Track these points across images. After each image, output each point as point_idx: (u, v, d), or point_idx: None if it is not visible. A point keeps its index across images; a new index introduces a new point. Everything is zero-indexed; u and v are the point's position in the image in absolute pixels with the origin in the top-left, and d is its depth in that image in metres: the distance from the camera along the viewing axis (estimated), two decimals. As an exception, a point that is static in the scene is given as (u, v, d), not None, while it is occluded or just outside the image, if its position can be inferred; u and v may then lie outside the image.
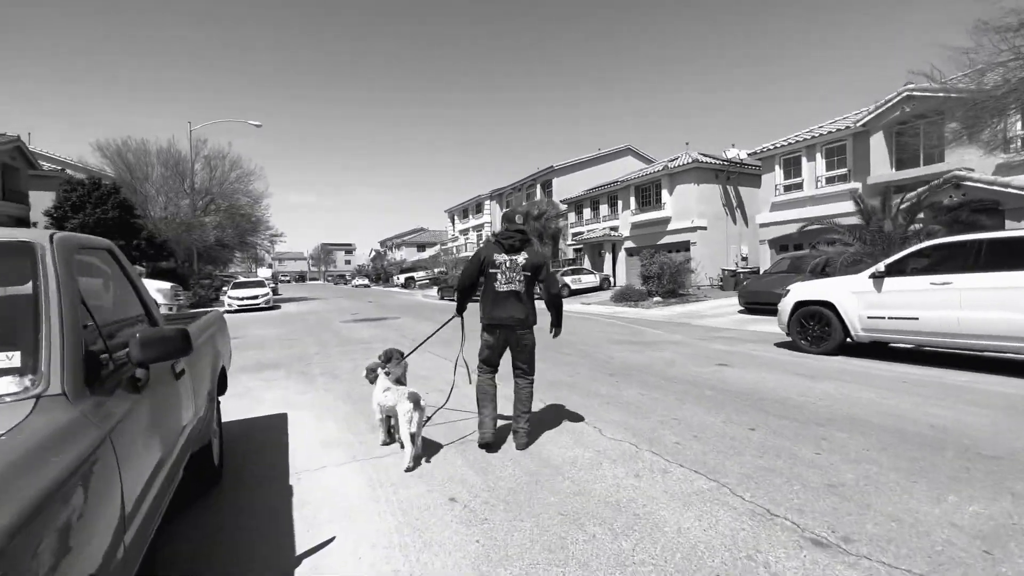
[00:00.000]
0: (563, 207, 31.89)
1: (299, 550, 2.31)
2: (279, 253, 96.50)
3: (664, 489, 2.79)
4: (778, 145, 18.72)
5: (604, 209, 28.57)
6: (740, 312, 13.14)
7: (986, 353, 6.29)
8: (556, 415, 4.37)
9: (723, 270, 20.88)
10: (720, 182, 23.12)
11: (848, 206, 13.28)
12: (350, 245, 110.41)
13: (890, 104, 14.68)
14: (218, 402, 3.54)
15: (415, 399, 3.17)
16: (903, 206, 10.92)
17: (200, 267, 25.46)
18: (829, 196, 17.05)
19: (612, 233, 26.97)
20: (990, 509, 2.45)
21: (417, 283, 41.49)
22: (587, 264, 28.76)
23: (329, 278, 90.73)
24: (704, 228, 22.41)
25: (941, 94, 11.56)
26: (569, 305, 19.24)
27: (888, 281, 6.45)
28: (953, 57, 8.59)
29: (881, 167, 15.51)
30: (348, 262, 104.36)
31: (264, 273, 42.24)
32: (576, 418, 4.25)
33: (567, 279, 22.69)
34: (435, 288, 29.00)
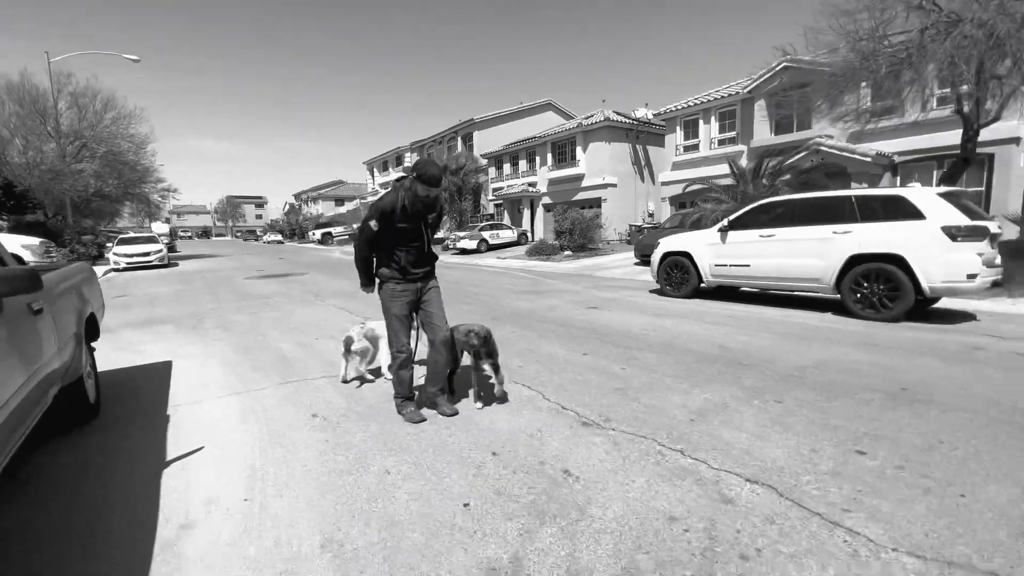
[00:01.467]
0: (483, 161, 31.90)
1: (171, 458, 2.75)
2: (178, 206, 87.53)
3: (494, 399, 3.52)
4: (679, 107, 20.03)
5: (523, 165, 29.04)
6: (636, 264, 14.47)
7: (796, 293, 7.77)
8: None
9: (630, 225, 22.40)
10: (630, 141, 24.34)
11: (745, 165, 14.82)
12: (261, 198, 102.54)
13: (770, 74, 16.21)
14: (92, 348, 3.75)
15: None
16: (769, 169, 12.47)
17: (77, 221, 22.88)
18: (720, 157, 18.69)
19: (530, 189, 27.64)
20: (716, 396, 3.42)
21: (335, 239, 40.06)
22: (507, 219, 29.39)
23: (238, 234, 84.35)
24: (615, 185, 23.69)
25: (809, 67, 13.06)
26: (485, 259, 19.90)
27: (731, 234, 7.64)
28: (808, 35, 9.76)
29: (762, 132, 17.26)
30: (259, 217, 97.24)
31: (160, 228, 38.50)
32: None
33: (485, 234, 23.22)
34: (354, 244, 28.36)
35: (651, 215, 24.21)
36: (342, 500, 2.26)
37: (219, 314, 7.71)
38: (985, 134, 12.34)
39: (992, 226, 5.81)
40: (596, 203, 24.06)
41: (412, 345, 3.27)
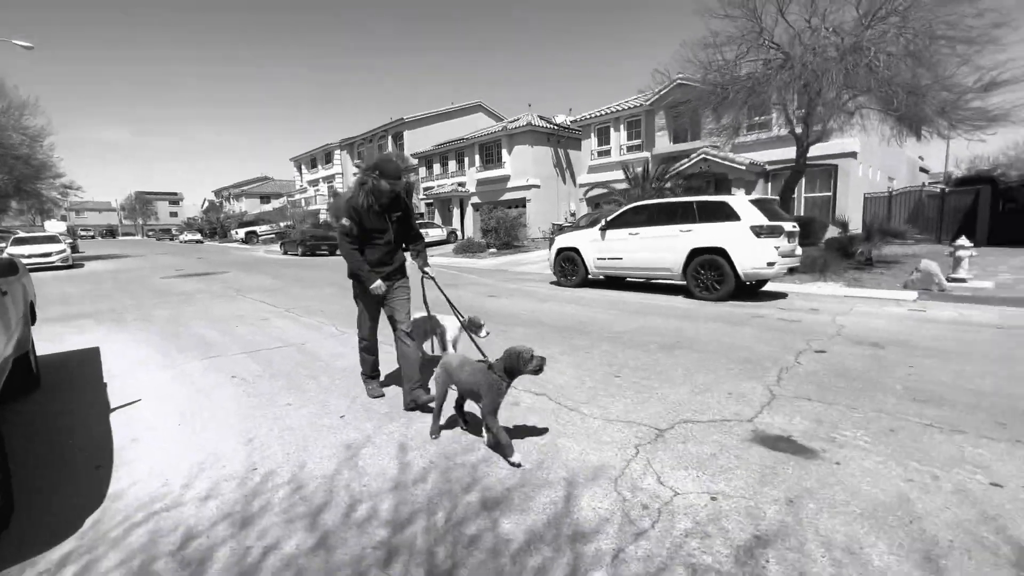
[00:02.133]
0: (414, 161, 32.43)
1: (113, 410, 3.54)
2: (77, 203, 79.79)
3: (340, 341, 4.55)
4: (592, 116, 21.85)
5: (452, 165, 29.94)
6: (549, 260, 15.91)
7: (659, 280, 9.40)
8: (339, 327, 5.92)
9: (553, 224, 24.01)
10: (551, 145, 25.98)
11: (638, 171, 16.66)
12: (176, 195, 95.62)
13: (666, 89, 18.27)
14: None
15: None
16: (657, 174, 14.32)
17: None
18: (630, 162, 20.70)
19: (460, 188, 28.61)
20: (548, 350, 4.67)
21: (260, 237, 38.86)
22: (437, 218, 30.19)
23: (150, 233, 78.30)
24: (538, 186, 25.22)
25: (696, 84, 15.07)
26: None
27: (609, 232, 9.12)
28: (678, 63, 11.54)
29: (662, 140, 19.38)
30: (174, 215, 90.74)
31: (56, 227, 35.49)
32: (344, 327, 5.85)
33: (414, 233, 23.90)
34: (279, 243, 27.90)
35: (573, 214, 25.98)
36: (253, 420, 3.22)
37: (139, 309, 8.09)
38: (830, 148, 14.89)
39: (787, 226, 7.60)
40: (521, 203, 25.48)
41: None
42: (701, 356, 4.43)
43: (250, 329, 6.10)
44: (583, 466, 2.50)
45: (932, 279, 7.96)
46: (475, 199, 28.21)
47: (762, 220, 7.28)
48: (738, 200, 7.64)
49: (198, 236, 50.37)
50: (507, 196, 26.12)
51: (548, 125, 25.98)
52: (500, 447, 2.59)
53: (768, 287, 8.85)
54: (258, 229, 40.45)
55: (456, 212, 29.54)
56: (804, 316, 6.33)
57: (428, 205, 31.82)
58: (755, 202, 7.59)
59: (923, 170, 23.85)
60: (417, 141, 33.80)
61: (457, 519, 2.07)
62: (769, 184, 16.92)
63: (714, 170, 16.89)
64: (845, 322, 5.90)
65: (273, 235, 37.22)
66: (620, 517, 2.05)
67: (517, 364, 2.56)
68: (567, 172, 26.78)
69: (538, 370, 2.59)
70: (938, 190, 15.94)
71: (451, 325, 4.14)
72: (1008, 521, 1.97)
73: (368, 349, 3.52)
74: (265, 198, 59.33)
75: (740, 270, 7.35)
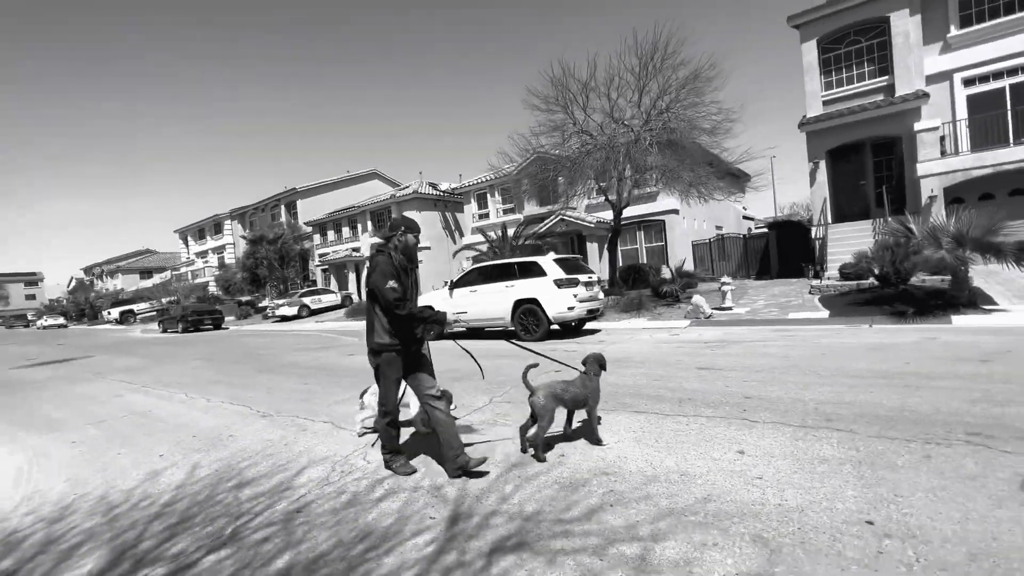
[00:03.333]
0: (308, 229, 32.93)
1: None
2: None
3: (187, 405, 5.52)
4: (471, 183, 24.33)
5: (346, 231, 30.88)
6: (431, 317, 17.27)
7: (497, 328, 11.08)
8: (189, 394, 6.71)
9: (445, 282, 25.61)
10: (439, 209, 28.08)
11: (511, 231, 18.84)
12: (34, 275, 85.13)
13: (527, 162, 21.17)
14: None
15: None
16: (514, 236, 16.54)
17: None
18: (494, 226, 23.17)
19: (354, 254, 29.49)
20: (343, 395, 5.92)
21: (138, 316, 36.22)
22: (333, 284, 30.59)
23: (-1, 320, 68.40)
24: (428, 248, 26.89)
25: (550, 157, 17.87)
26: (304, 324, 20.98)
27: (456, 291, 10.74)
28: (509, 148, 14.01)
29: (530, 204, 22.09)
30: (32, 297, 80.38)
31: None
32: (194, 394, 6.68)
33: (306, 300, 24.23)
34: (158, 321, 26.51)
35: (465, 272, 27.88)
36: (79, 467, 4.10)
37: (-20, 400, 8.09)
38: (658, 207, 18.14)
39: (583, 277, 9.70)
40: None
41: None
42: (483, 383, 5.94)
43: (101, 405, 6.67)
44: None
45: (700, 310, 10.42)
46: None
47: (561, 275, 9.30)
48: (545, 260, 9.66)
49: (61, 320, 45.40)
50: (400, 258, 27.44)
51: (434, 192, 28.15)
52: (594, 435, 3.49)
53: (590, 325, 10.88)
54: (136, 307, 37.68)
55: (351, 276, 30.19)
56: (590, 347, 8.20)
57: (323, 271, 32.14)
58: (558, 260, 9.66)
59: (747, 218, 29.06)
60: (311, 209, 34.44)
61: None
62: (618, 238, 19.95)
63: (571, 229, 19.65)
64: (613, 348, 7.82)
65: (153, 312, 34.95)
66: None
67: (604, 362, 3.59)
68: (455, 233, 28.86)
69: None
70: (741, 236, 19.88)
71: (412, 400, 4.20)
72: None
73: (394, 423, 3.30)
74: (146, 273, 55.22)
75: (549, 315, 9.22)
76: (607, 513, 2.50)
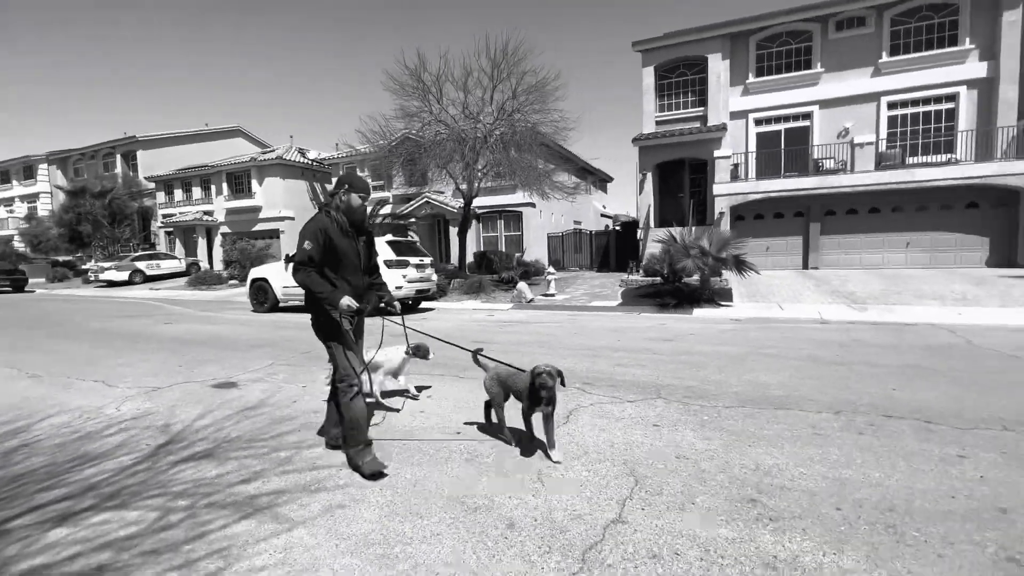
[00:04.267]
0: (149, 185, 29.45)
1: None
2: None
3: (-23, 376, 5.41)
4: (339, 156, 23.82)
5: (198, 192, 28.23)
6: (282, 290, 16.94)
7: None
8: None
9: (286, 255, 24.83)
10: (307, 179, 26.94)
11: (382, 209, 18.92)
12: None
13: (396, 141, 21.41)
14: None
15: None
16: (370, 216, 16.86)
17: None
18: (376, 201, 23.15)
19: (207, 217, 27.15)
20: (167, 360, 6.16)
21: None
22: (179, 249, 27.90)
23: None
24: (292, 219, 25.78)
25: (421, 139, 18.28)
26: (133, 291, 19.13)
27: (291, 265, 10.92)
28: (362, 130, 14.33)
29: (397, 183, 22.37)
30: None
31: None
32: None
33: (140, 264, 21.97)
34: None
35: (332, 246, 27.18)
36: None
37: None
38: (516, 199, 19.54)
39: (414, 260, 10.56)
40: (275, 234, 25.64)
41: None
42: (277, 351, 6.50)
43: None
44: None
45: (522, 295, 11.91)
46: (225, 228, 27.10)
47: (392, 256, 10.05)
48: (377, 241, 10.31)
49: None
50: (260, 227, 25.95)
51: (302, 160, 26.92)
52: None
53: (426, 305, 11.82)
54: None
55: (202, 242, 27.78)
56: (412, 323, 9.10)
57: (168, 234, 29.07)
58: (391, 242, 10.39)
59: (605, 216, 32.38)
60: (156, 162, 30.73)
61: None
62: (480, 224, 21.19)
63: (435, 212, 20.41)
64: (429, 324, 8.80)
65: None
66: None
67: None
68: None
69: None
70: (589, 232, 22.34)
71: (396, 356, 4.13)
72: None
73: (363, 394, 2.92)
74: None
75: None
76: (292, 435, 3.38)
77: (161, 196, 29.46)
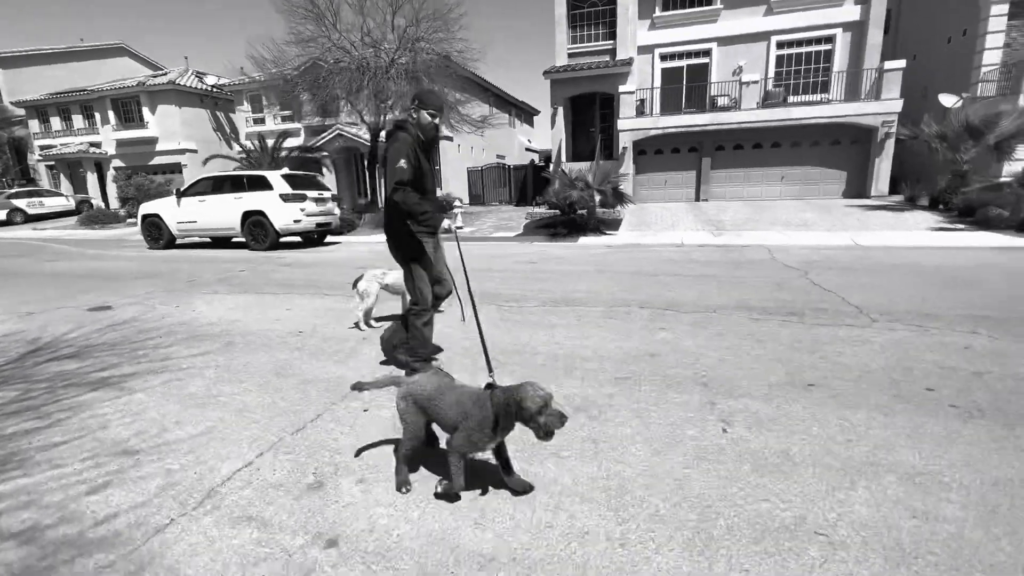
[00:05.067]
0: (18, 111, 26.17)
1: None
2: None
3: None
4: (240, 82, 22.23)
5: (79, 120, 25.52)
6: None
7: (223, 236, 11.65)
8: None
9: (176, 189, 23.66)
10: (207, 107, 25.03)
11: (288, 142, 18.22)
12: None
13: (304, 68, 20.28)
14: None
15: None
16: (272, 148, 16.43)
17: None
18: (288, 131, 22.12)
19: (94, 150, 24.82)
20: (68, 288, 6.35)
21: None
22: (65, 186, 25.55)
23: None
24: (195, 151, 24.16)
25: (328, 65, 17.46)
26: (16, 232, 17.77)
27: (183, 200, 10.82)
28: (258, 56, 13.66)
29: (308, 114, 21.42)
30: None
31: None
32: None
33: (19, 203, 20.15)
34: None
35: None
36: None
37: None
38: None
39: (313, 194, 10.76)
40: (177, 168, 24.04)
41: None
42: (160, 280, 6.84)
43: None
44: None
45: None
46: (118, 162, 24.97)
47: (288, 190, 10.22)
48: (272, 175, 10.41)
49: None
50: (158, 160, 24.17)
51: (199, 86, 24.83)
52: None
53: (332, 239, 12.16)
54: None
55: (92, 178, 25.52)
56: (316, 255, 9.55)
57: (50, 168, 26.37)
58: (287, 176, 10.51)
59: (529, 150, 32.70)
60: (24, 85, 27.11)
61: None
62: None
63: (349, 145, 19.97)
64: (324, 256, 9.29)
65: None
66: None
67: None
68: (232, 137, 26.25)
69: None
70: (508, 166, 22.80)
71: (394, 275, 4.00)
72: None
73: (430, 322, 3.06)
74: None
75: (276, 226, 10.19)
76: (154, 340, 4.01)
77: (35, 125, 26.35)
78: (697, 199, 17.17)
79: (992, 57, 14.38)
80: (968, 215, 10.47)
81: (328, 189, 11.50)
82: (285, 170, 11.15)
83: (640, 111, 17.44)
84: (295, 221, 10.24)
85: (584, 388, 2.83)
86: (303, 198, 10.44)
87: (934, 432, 2.23)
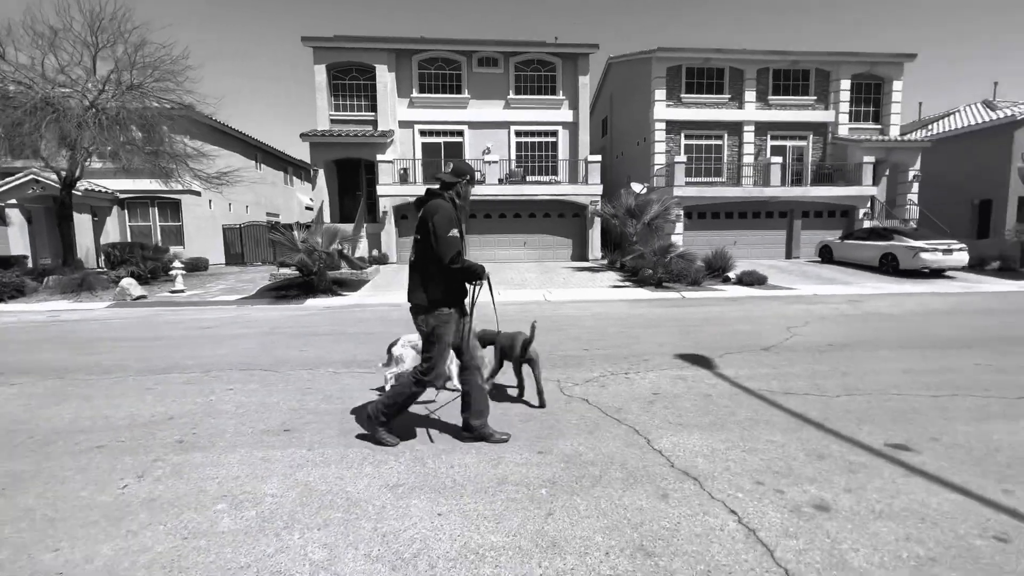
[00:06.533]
0: None
1: None
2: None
3: None
4: None
5: None
6: None
7: None
8: None
9: None
10: None
11: None
12: None
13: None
14: None
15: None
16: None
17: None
18: None
19: None
20: None
21: None
22: None
23: None
24: None
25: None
26: None
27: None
28: None
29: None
30: None
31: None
32: None
33: None
34: None
35: None
36: None
37: None
38: (176, 185, 17.51)
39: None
40: None
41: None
42: None
43: None
44: None
45: (126, 292, 10.96)
46: None
47: None
48: None
49: None
50: None
51: None
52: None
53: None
54: None
55: None
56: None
57: None
58: None
59: (310, 208, 31.92)
60: None
61: None
62: (126, 211, 18.36)
63: (51, 193, 16.71)
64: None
65: None
66: None
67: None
68: None
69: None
70: (275, 224, 21.80)
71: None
72: None
73: (415, 396, 3.18)
74: None
75: None
76: None
77: None
78: (455, 262, 18.68)
79: (660, 159, 19.48)
80: (634, 275, 13.57)
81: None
82: None
83: (404, 179, 18.66)
84: None
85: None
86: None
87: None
